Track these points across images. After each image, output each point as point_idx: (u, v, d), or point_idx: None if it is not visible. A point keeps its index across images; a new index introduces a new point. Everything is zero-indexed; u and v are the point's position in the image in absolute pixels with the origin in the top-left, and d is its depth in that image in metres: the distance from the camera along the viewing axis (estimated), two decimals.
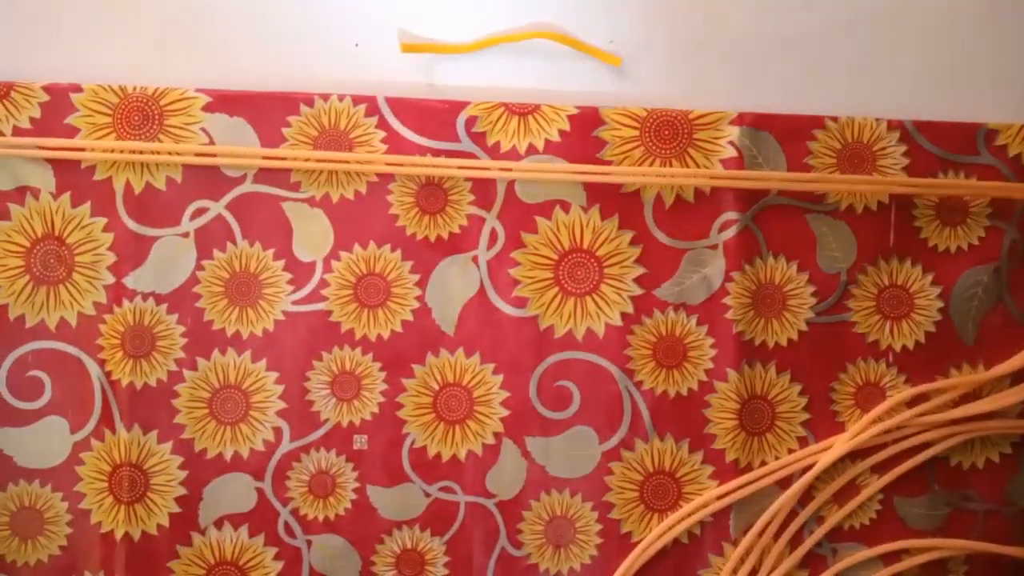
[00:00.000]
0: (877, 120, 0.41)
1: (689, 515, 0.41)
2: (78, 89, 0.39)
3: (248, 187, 0.40)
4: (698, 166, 0.41)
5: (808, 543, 0.41)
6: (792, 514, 0.41)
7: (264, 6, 0.40)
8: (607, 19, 0.41)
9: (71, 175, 0.40)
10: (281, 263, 0.40)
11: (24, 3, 0.40)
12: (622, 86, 0.41)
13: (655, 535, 0.41)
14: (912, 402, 0.41)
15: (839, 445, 0.40)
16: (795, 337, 0.41)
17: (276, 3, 0.41)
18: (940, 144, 0.41)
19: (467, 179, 0.40)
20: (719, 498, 0.41)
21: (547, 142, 0.40)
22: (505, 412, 0.41)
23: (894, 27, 0.41)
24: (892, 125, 0.41)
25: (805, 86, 0.41)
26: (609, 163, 0.40)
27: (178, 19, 0.40)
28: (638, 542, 0.41)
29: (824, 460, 0.40)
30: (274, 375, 0.41)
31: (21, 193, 0.40)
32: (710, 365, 0.41)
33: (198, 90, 0.40)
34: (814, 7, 0.41)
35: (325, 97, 0.40)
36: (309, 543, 0.41)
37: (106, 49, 0.40)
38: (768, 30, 0.41)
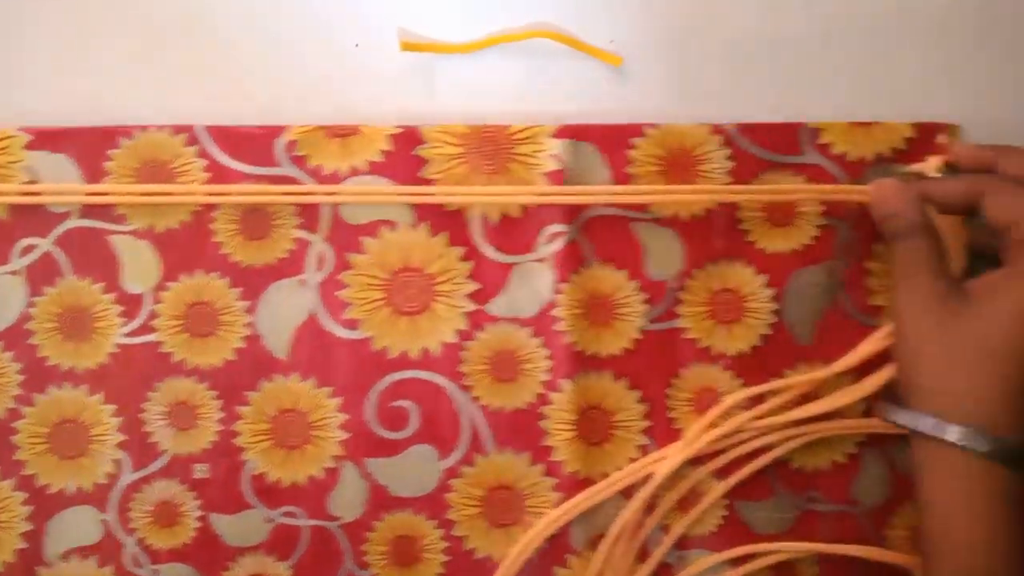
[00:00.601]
0: (698, 125, 0.41)
1: (544, 529, 0.41)
2: None
3: (75, 222, 0.40)
4: (521, 181, 0.40)
5: (656, 556, 0.41)
6: (637, 524, 0.41)
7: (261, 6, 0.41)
8: (607, 19, 0.41)
9: None
10: (112, 296, 0.41)
11: None
12: (622, 87, 0.41)
13: (514, 555, 0.41)
14: (750, 405, 0.41)
15: (673, 454, 0.40)
16: (629, 345, 0.41)
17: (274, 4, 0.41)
18: (763, 145, 0.40)
19: (291, 204, 0.40)
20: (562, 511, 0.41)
21: (369, 163, 0.40)
22: (344, 435, 0.41)
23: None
24: (715, 130, 0.40)
25: (807, 87, 0.42)
26: (432, 182, 0.40)
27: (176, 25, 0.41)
28: (484, 558, 0.41)
29: (660, 471, 0.40)
30: (111, 408, 0.41)
31: None
32: (545, 377, 0.41)
33: (20, 129, 0.40)
34: (814, 6, 0.41)
35: (144, 128, 0.40)
36: (157, 572, 0.41)
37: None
38: (769, 31, 0.41)
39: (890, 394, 0.39)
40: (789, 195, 0.40)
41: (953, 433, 0.35)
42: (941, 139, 0.41)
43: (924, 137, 0.41)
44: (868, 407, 0.41)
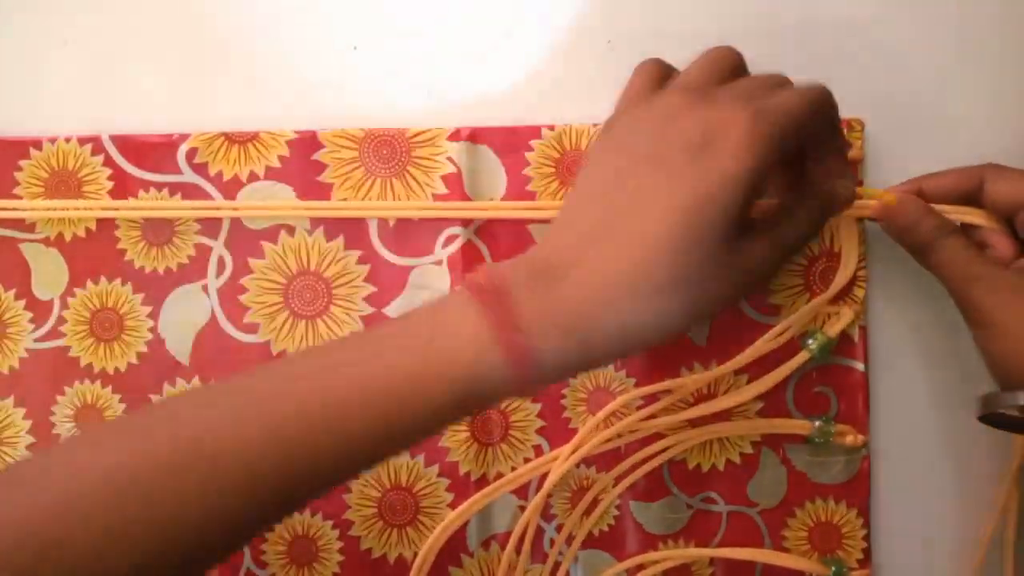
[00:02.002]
0: (594, 126, 0.41)
1: (448, 527, 0.41)
2: None
3: None
4: (419, 183, 0.41)
5: (552, 556, 0.41)
6: (532, 524, 0.41)
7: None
8: (604, 18, 0.42)
9: None
10: (22, 303, 0.42)
11: None
12: (621, 88, 0.41)
13: (423, 555, 0.41)
14: (643, 405, 0.40)
15: (564, 455, 0.40)
16: None
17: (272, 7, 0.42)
18: None
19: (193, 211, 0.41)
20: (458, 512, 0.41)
21: (267, 168, 0.41)
22: None
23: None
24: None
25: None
26: (330, 186, 0.41)
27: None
28: (380, 557, 0.42)
29: (554, 473, 0.40)
30: (21, 411, 0.42)
31: None
32: None
33: None
34: (814, 5, 0.41)
35: (52, 140, 0.41)
36: None
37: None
38: (769, 29, 0.41)
39: (989, 398, 0.36)
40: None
41: None
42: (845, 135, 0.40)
43: None
44: (764, 406, 0.40)
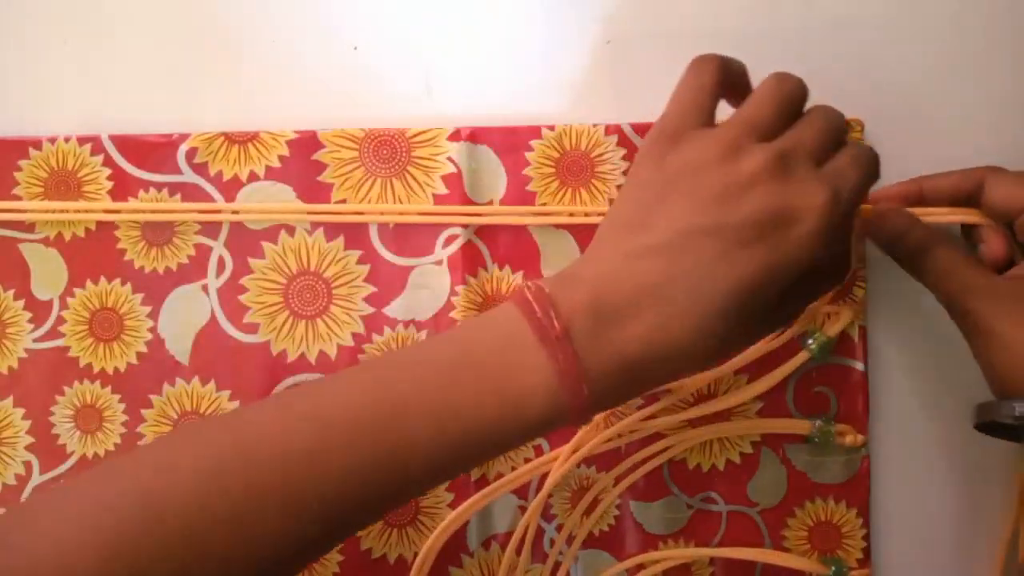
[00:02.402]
0: (594, 126, 0.41)
1: (448, 527, 0.41)
2: None
3: None
4: (419, 183, 0.41)
5: (552, 556, 0.41)
6: (533, 524, 0.41)
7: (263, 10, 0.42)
8: (604, 18, 0.42)
9: None
10: (21, 303, 0.42)
11: None
12: (621, 88, 0.42)
13: (423, 555, 0.41)
14: (643, 405, 0.40)
15: (564, 456, 0.40)
16: None
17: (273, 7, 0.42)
18: None
19: (191, 212, 0.41)
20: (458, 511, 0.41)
21: (267, 168, 0.41)
22: None
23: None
24: (610, 130, 0.41)
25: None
26: (330, 185, 0.41)
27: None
28: (380, 558, 0.41)
29: (554, 473, 0.40)
30: (21, 411, 0.42)
31: None
32: None
33: None
34: (813, 5, 0.41)
35: (52, 140, 0.41)
36: None
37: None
38: (768, 29, 0.41)
39: (986, 407, 0.36)
40: None
41: None
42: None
43: None
44: (764, 406, 0.41)
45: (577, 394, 0.30)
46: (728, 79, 0.34)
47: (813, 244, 0.30)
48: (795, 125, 0.32)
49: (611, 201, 0.41)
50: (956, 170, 0.38)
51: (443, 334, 0.33)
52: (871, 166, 0.33)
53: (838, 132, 0.33)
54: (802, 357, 0.40)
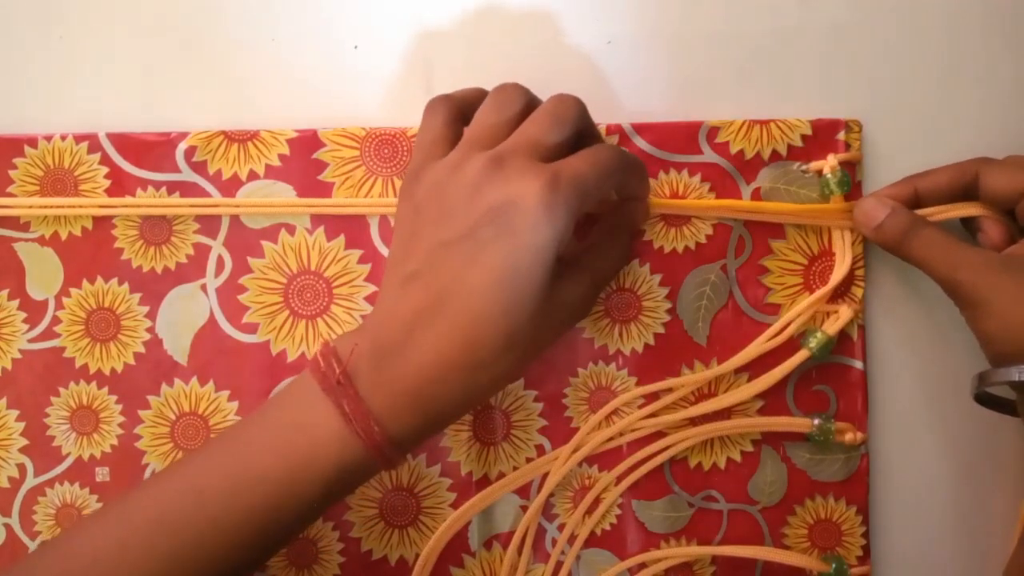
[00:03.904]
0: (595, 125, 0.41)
1: (450, 528, 0.41)
2: None
3: None
4: None
5: (554, 555, 0.41)
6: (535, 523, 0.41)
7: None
8: (604, 18, 0.41)
9: None
10: (16, 303, 0.41)
11: None
12: (621, 88, 0.42)
13: (424, 555, 0.41)
14: (644, 404, 0.41)
15: (563, 456, 0.40)
16: None
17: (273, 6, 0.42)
18: (660, 145, 0.41)
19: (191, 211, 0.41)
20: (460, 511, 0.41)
21: (267, 167, 0.41)
22: None
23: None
24: (611, 129, 0.41)
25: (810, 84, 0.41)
26: (331, 184, 0.41)
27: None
28: (380, 559, 0.41)
29: (554, 473, 0.40)
30: (15, 412, 0.41)
31: None
32: None
33: None
34: (812, 5, 0.41)
35: (48, 138, 0.41)
36: None
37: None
38: (768, 30, 0.41)
39: (983, 375, 0.36)
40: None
41: None
42: (841, 136, 0.41)
43: (822, 134, 0.41)
44: (764, 405, 0.41)
45: (370, 434, 0.32)
46: (463, 110, 0.36)
47: (539, 223, 0.31)
48: (519, 128, 0.34)
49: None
50: (947, 166, 0.39)
51: (253, 412, 0.35)
52: (603, 159, 0.34)
53: (568, 125, 0.34)
54: (802, 356, 0.40)
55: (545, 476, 0.41)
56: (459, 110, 0.36)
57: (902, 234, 0.37)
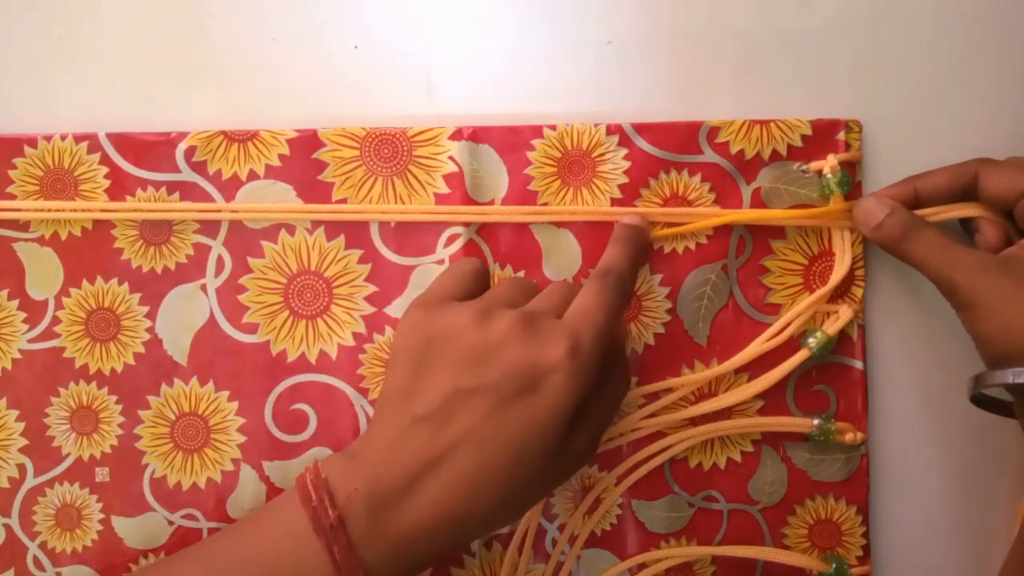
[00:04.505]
0: (596, 126, 0.41)
1: None
2: None
3: None
4: (420, 183, 0.41)
5: (554, 555, 0.41)
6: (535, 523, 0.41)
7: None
8: (604, 18, 0.41)
9: None
10: (15, 303, 0.41)
11: None
12: (621, 88, 0.42)
13: None
14: (644, 404, 0.41)
15: None
16: None
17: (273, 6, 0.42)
18: (660, 145, 0.41)
19: (193, 212, 0.41)
20: None
21: (267, 167, 0.41)
22: (242, 438, 0.41)
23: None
24: (611, 129, 0.41)
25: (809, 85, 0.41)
26: (331, 185, 0.41)
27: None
28: None
29: None
30: (15, 413, 0.41)
31: None
32: None
33: None
34: (812, 5, 0.41)
35: (48, 138, 0.41)
36: (59, 575, 0.41)
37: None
38: (768, 30, 0.41)
39: (979, 377, 0.36)
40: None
41: None
42: (841, 136, 0.41)
43: (822, 134, 0.41)
44: (764, 405, 0.41)
45: None
46: (483, 282, 0.37)
47: (567, 389, 0.31)
48: (538, 296, 0.35)
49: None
50: (947, 167, 0.39)
51: (228, 531, 0.34)
52: (614, 296, 0.34)
53: (572, 292, 0.35)
54: (802, 356, 0.40)
55: None
56: (488, 279, 0.37)
57: (901, 234, 0.37)
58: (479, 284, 0.37)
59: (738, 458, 0.41)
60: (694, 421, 0.41)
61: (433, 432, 0.32)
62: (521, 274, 0.41)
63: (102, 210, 0.41)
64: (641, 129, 0.41)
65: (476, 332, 0.32)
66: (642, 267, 0.39)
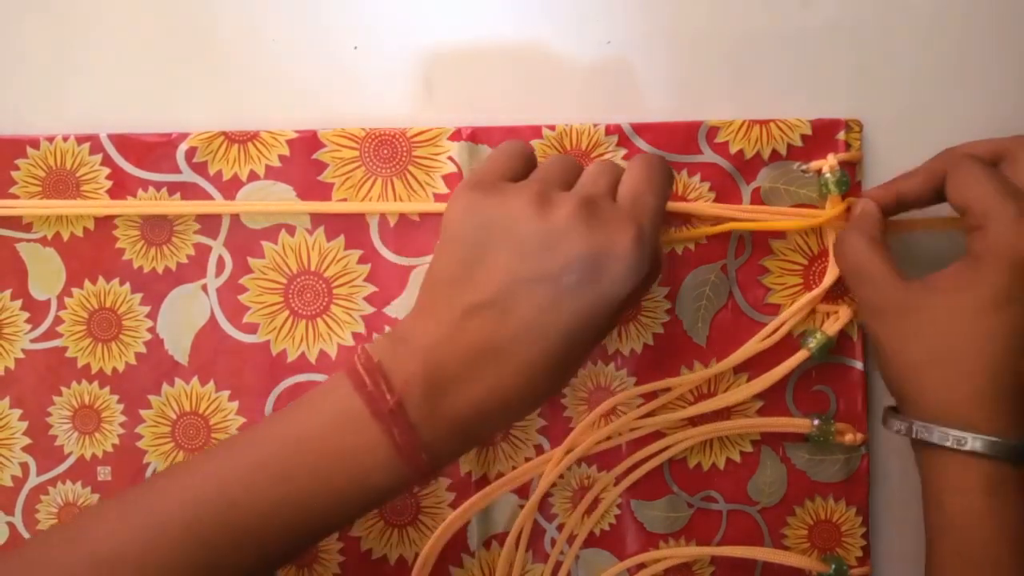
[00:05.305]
0: (595, 126, 0.41)
1: (449, 527, 0.41)
2: None
3: None
4: (419, 183, 0.41)
5: (553, 555, 0.41)
6: (533, 523, 0.41)
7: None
8: (604, 18, 0.42)
9: None
10: (18, 303, 0.42)
11: None
12: (620, 88, 0.42)
13: (424, 555, 0.41)
14: (641, 404, 0.41)
15: (557, 457, 0.40)
16: None
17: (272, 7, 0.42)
18: (660, 145, 0.41)
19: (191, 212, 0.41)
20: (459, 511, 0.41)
21: (267, 167, 0.41)
22: None
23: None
24: (610, 129, 0.41)
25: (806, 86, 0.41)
26: (331, 185, 0.41)
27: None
28: (380, 558, 0.41)
29: (547, 474, 0.40)
30: (18, 412, 0.42)
31: None
32: None
33: None
34: (812, 5, 0.41)
35: (50, 138, 0.41)
36: None
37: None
38: (768, 30, 0.41)
39: (884, 414, 0.37)
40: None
41: (956, 439, 0.33)
42: (841, 136, 0.41)
43: (822, 134, 0.41)
44: (764, 405, 0.41)
45: (417, 464, 0.31)
46: (533, 164, 0.35)
47: (630, 277, 0.31)
48: (583, 175, 0.34)
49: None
50: (920, 167, 0.38)
51: (280, 415, 0.33)
52: (662, 179, 0.34)
53: (619, 172, 0.34)
54: (801, 356, 0.40)
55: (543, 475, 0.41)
56: (536, 162, 0.36)
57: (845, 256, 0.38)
58: (529, 166, 0.35)
59: (737, 458, 0.41)
60: (693, 421, 0.41)
61: (491, 322, 0.31)
62: None
63: (105, 210, 0.41)
64: (640, 129, 0.41)
65: (536, 219, 0.31)
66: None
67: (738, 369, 0.41)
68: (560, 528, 0.41)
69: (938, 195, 0.37)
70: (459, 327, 0.31)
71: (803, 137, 0.41)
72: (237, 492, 0.31)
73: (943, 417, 0.34)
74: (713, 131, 0.41)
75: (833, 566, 0.40)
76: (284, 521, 0.31)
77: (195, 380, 0.41)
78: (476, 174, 0.34)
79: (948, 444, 0.33)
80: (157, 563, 0.30)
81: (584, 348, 0.33)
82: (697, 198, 0.41)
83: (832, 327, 0.40)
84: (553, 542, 0.41)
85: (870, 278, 0.36)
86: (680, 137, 0.41)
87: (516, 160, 0.34)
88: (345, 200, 0.41)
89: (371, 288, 0.41)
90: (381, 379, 0.31)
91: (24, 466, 0.42)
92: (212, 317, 0.41)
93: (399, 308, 0.41)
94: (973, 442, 0.33)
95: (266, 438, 0.32)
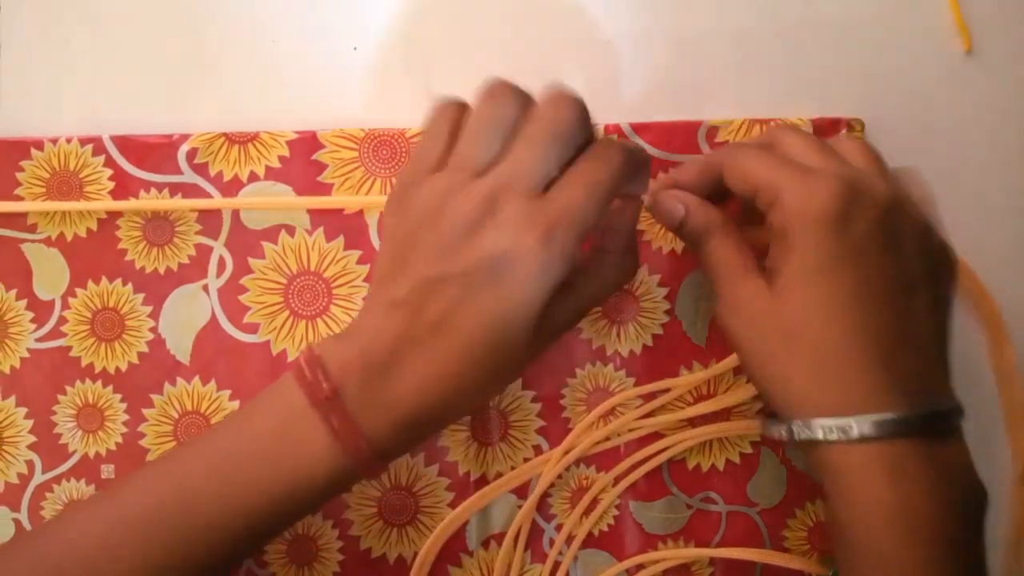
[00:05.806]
0: (595, 125, 0.41)
1: (448, 527, 0.41)
2: None
3: None
4: None
5: (551, 556, 0.41)
6: (531, 524, 0.41)
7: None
8: (604, 17, 0.42)
9: None
10: (23, 303, 0.42)
11: None
12: (620, 88, 0.42)
13: (423, 555, 0.41)
14: (640, 404, 0.40)
15: (555, 458, 0.40)
16: None
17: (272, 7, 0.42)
18: (659, 145, 0.41)
19: (192, 210, 0.41)
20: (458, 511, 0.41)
21: (267, 168, 0.41)
22: None
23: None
24: (610, 129, 0.41)
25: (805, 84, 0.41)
26: (330, 186, 0.41)
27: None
28: (379, 557, 0.42)
29: (545, 475, 0.40)
30: (23, 411, 0.42)
31: None
32: None
33: None
34: (813, 3, 0.41)
35: (54, 140, 0.41)
36: None
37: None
38: (768, 28, 0.41)
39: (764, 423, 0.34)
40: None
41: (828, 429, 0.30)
42: (843, 134, 0.40)
43: (822, 133, 0.40)
44: (764, 405, 0.40)
45: (358, 452, 0.31)
46: (460, 119, 0.34)
47: (537, 278, 0.30)
48: (513, 148, 0.32)
49: None
50: (696, 158, 0.37)
51: (234, 414, 0.35)
52: (603, 178, 0.31)
53: (567, 144, 0.32)
54: None
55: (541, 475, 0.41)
56: (459, 119, 0.34)
57: (695, 241, 0.35)
58: (459, 132, 0.33)
59: (737, 460, 0.41)
60: (693, 422, 0.41)
61: (409, 316, 0.31)
62: None
63: (107, 209, 0.41)
64: (640, 128, 0.41)
65: (444, 217, 0.31)
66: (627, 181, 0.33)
67: (738, 370, 0.40)
68: (559, 528, 0.41)
69: (714, 188, 0.35)
70: (385, 319, 0.32)
71: None
72: (197, 481, 0.32)
73: (818, 407, 0.30)
74: (713, 131, 0.41)
75: (833, 568, 0.40)
76: (243, 513, 0.32)
77: (196, 379, 0.42)
78: (405, 167, 0.34)
79: (833, 437, 0.30)
80: (124, 557, 0.32)
81: (515, 344, 0.31)
82: None
83: None
84: (551, 542, 0.41)
85: (731, 287, 0.34)
86: (680, 137, 0.41)
87: (439, 140, 0.33)
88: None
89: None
90: (319, 369, 0.32)
91: (30, 464, 0.42)
92: (213, 317, 0.42)
93: None
94: (860, 426, 0.29)
95: (220, 437, 0.33)
